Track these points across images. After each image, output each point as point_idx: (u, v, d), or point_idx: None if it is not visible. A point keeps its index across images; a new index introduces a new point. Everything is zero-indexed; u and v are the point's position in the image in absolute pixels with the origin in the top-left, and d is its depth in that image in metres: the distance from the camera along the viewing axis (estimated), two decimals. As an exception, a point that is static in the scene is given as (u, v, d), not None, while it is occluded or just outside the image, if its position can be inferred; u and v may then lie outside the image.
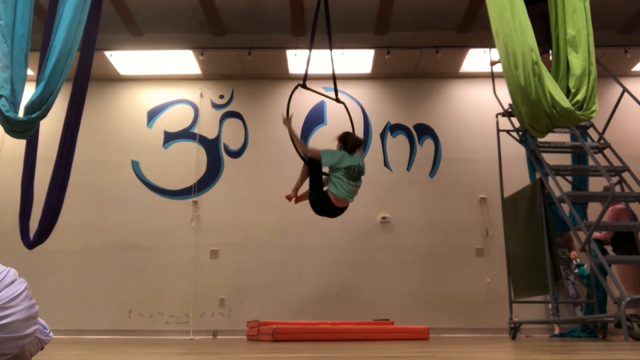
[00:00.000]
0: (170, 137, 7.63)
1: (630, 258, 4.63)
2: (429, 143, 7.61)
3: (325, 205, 4.38)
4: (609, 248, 5.58)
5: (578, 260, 6.35)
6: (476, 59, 7.33)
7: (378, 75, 7.71)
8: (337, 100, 5.02)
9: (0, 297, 1.42)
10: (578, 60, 3.26)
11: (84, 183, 7.09)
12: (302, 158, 4.56)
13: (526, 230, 5.20)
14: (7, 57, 3.44)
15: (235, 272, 7.02)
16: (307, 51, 6.92)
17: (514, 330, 5.38)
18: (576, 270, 6.25)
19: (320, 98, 7.25)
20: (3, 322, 1.40)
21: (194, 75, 7.76)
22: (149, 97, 7.80)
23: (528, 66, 3.13)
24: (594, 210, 5.68)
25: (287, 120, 4.53)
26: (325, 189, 4.42)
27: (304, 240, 7.05)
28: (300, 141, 4.67)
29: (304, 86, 4.76)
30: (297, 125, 7.54)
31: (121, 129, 7.63)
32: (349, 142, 4.52)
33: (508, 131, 5.67)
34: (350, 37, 7.07)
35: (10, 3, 3.51)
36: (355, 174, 4.40)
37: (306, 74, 4.82)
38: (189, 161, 7.50)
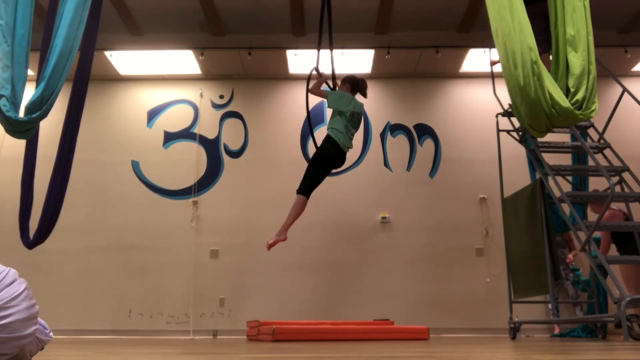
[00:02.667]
0: (170, 137, 7.63)
1: (631, 258, 4.64)
2: (429, 143, 7.60)
3: (334, 155, 4.45)
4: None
5: (573, 264, 6.34)
6: (476, 59, 7.32)
7: (378, 75, 7.71)
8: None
9: (0, 297, 1.42)
10: (577, 59, 3.26)
11: (84, 183, 7.09)
12: (299, 191, 4.50)
13: (526, 230, 5.19)
14: (8, 57, 3.44)
15: (235, 272, 7.02)
16: (307, 51, 6.95)
17: (514, 330, 5.38)
18: (571, 275, 6.23)
19: (320, 98, 7.25)
20: (3, 322, 1.40)
21: (194, 75, 7.76)
22: (149, 97, 7.80)
23: (527, 66, 3.12)
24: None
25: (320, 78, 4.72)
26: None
27: (304, 240, 7.05)
28: (318, 84, 4.74)
29: (317, 71, 4.90)
30: (298, 125, 7.55)
31: (121, 129, 7.63)
32: (359, 84, 4.65)
33: (508, 131, 5.67)
34: (350, 37, 7.07)
35: (11, 3, 3.51)
36: (357, 121, 4.51)
37: (318, 61, 4.97)
38: (189, 161, 7.50)
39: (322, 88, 4.81)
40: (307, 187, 4.48)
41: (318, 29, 5.02)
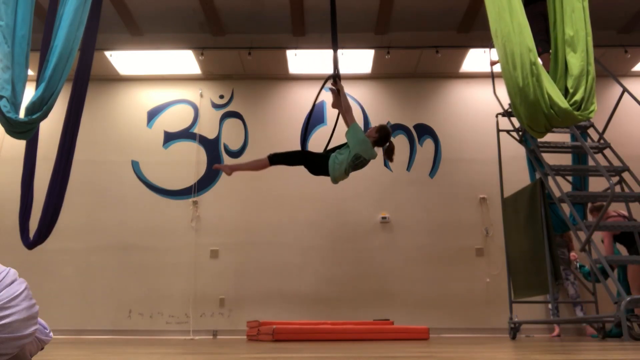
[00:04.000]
0: (170, 137, 7.63)
1: (631, 258, 4.64)
2: (429, 143, 7.61)
3: (317, 171, 4.43)
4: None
5: (579, 261, 6.35)
6: (476, 59, 7.33)
7: (378, 75, 7.71)
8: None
9: (0, 297, 1.42)
10: (576, 60, 3.26)
11: (84, 183, 7.09)
12: (270, 156, 4.47)
13: (526, 230, 5.20)
14: (8, 58, 3.44)
15: (235, 272, 7.03)
16: (307, 51, 6.91)
17: (514, 330, 5.38)
18: (578, 270, 6.25)
19: (320, 98, 7.26)
20: (3, 322, 1.40)
21: (194, 75, 7.76)
22: (149, 97, 7.80)
23: (526, 67, 3.13)
24: (593, 210, 5.69)
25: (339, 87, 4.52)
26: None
27: (304, 240, 7.05)
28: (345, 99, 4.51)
29: (335, 80, 4.63)
30: (298, 125, 7.55)
31: (121, 129, 7.64)
32: (388, 148, 4.44)
33: (508, 131, 5.68)
34: (350, 37, 7.07)
35: (11, 4, 3.51)
36: (360, 166, 4.36)
37: (334, 68, 4.71)
38: (189, 161, 7.50)
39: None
40: (278, 160, 4.49)
41: (331, 32, 4.86)
